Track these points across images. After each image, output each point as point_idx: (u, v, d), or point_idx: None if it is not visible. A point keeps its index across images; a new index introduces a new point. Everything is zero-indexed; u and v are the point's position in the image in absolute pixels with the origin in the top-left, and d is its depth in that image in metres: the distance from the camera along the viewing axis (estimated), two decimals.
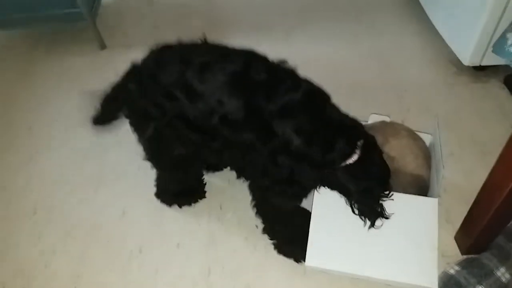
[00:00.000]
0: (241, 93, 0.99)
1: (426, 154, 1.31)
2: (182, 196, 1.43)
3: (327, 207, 1.19)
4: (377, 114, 1.45)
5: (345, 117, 1.07)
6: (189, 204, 1.44)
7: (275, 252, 1.30)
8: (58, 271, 1.31)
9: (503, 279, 1.19)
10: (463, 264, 1.22)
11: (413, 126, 1.39)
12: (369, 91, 1.79)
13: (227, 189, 1.47)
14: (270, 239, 1.31)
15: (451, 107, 1.71)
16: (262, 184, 1.12)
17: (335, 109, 1.07)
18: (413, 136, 1.32)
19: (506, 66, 1.76)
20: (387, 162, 1.18)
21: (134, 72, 1.12)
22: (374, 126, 1.36)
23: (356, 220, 1.14)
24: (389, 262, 1.11)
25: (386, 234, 1.14)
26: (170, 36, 1.17)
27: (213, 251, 1.32)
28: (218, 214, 1.42)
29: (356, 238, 1.15)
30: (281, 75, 1.03)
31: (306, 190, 1.14)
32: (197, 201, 1.45)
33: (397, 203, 1.17)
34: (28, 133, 1.73)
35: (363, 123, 1.21)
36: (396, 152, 1.28)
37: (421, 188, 1.27)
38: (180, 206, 1.43)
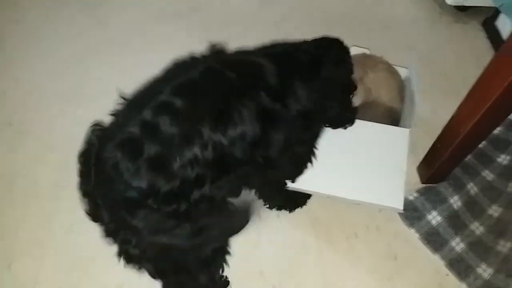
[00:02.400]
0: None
1: (401, 87, 1.37)
2: None
3: None
4: (357, 46, 1.48)
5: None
6: None
7: None
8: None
9: (455, 206, 1.31)
10: (421, 192, 1.34)
11: (391, 60, 1.43)
12: (354, 24, 1.80)
13: None
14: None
15: (430, 45, 1.76)
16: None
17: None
18: (390, 69, 1.37)
19: (488, 8, 1.79)
20: (365, 93, 1.24)
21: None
22: (354, 57, 1.39)
23: (334, 146, 1.23)
24: (361, 184, 1.20)
25: (359, 159, 1.23)
26: None
27: None
28: None
29: (331, 162, 1.22)
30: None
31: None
32: None
33: (371, 132, 1.26)
34: None
35: None
36: (373, 84, 1.33)
37: (393, 120, 1.35)
38: None
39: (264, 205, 1.31)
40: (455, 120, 1.18)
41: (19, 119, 1.47)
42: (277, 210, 1.32)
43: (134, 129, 0.81)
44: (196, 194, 0.84)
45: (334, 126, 1.24)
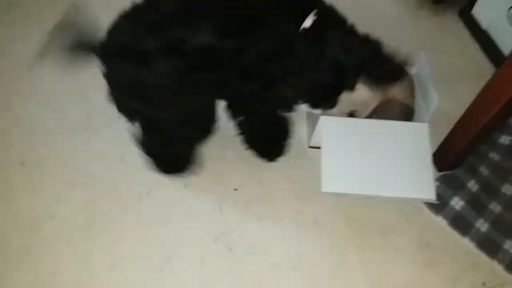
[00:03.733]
0: None
1: (412, 84, 1.44)
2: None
3: (335, 140, 1.31)
4: None
5: None
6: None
7: (283, 185, 1.40)
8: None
9: (473, 190, 1.41)
10: (442, 180, 1.42)
11: None
12: None
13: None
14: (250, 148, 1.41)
15: (416, 41, 1.84)
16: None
17: None
18: None
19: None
20: (381, 93, 1.31)
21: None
22: None
23: (362, 148, 1.29)
24: (393, 181, 1.27)
25: (387, 157, 1.29)
26: None
27: (221, 188, 1.39)
28: (219, 153, 1.45)
29: (363, 163, 1.28)
30: None
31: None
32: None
33: (392, 130, 1.34)
34: None
35: None
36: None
37: (409, 116, 1.42)
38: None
39: (246, 144, 1.40)
40: (474, 110, 1.26)
41: (31, 158, 1.40)
42: (256, 153, 1.42)
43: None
44: None
45: None
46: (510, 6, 1.67)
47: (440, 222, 1.37)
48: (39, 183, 1.36)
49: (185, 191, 1.37)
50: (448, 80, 1.67)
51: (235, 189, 1.39)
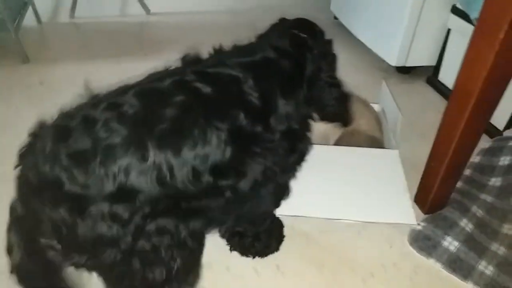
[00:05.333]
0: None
1: (378, 119, 1.34)
2: None
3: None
4: None
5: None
6: None
7: None
8: None
9: (468, 229, 1.19)
10: (428, 220, 1.21)
11: None
12: None
13: None
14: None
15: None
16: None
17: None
18: (364, 102, 1.36)
19: (427, 67, 1.95)
20: None
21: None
22: None
23: (330, 172, 1.12)
24: (369, 206, 1.10)
25: (360, 183, 1.15)
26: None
27: None
28: None
29: (334, 188, 1.11)
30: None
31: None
32: None
33: (363, 156, 1.19)
34: None
35: None
36: None
37: (376, 146, 1.28)
38: None
39: (231, 248, 1.11)
40: (445, 129, 1.13)
41: None
42: (249, 255, 1.11)
43: (74, 122, 0.70)
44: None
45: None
46: None
47: (433, 265, 1.11)
48: None
49: None
50: (426, 134, 1.56)
51: None
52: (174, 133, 0.72)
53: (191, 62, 0.89)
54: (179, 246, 0.76)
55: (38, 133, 0.73)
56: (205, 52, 0.93)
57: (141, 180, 0.69)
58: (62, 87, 1.80)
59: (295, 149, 0.93)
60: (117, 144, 0.68)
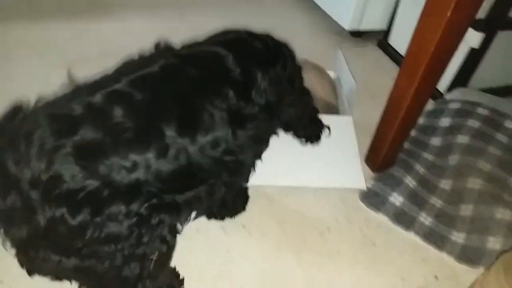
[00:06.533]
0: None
1: (333, 85, 1.43)
2: None
3: None
4: None
5: None
6: None
7: None
8: None
9: (411, 185, 1.33)
10: (377, 178, 1.34)
11: None
12: None
13: None
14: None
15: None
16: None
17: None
18: (319, 68, 1.43)
19: (378, 32, 2.04)
20: None
21: None
22: None
23: (286, 141, 1.19)
24: (320, 172, 1.18)
25: (314, 149, 1.21)
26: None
27: None
28: None
29: (287, 154, 1.19)
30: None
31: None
32: None
33: None
34: None
35: None
36: (307, 82, 1.37)
37: (332, 112, 1.37)
38: None
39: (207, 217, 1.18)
40: (396, 94, 1.24)
41: None
42: (218, 219, 1.19)
43: (76, 107, 0.68)
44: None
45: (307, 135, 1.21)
46: None
47: (382, 219, 1.25)
48: None
49: None
50: (377, 97, 1.68)
51: None
52: (188, 119, 0.74)
53: (166, 49, 0.90)
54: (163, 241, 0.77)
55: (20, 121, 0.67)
56: None
57: (161, 166, 0.70)
58: (12, 51, 1.74)
59: (271, 122, 0.98)
60: (132, 136, 0.67)
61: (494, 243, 1.15)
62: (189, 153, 0.73)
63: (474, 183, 1.29)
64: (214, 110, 0.78)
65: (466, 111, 1.55)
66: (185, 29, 1.62)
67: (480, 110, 1.55)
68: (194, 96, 0.78)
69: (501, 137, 1.47)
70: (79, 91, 0.74)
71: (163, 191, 0.72)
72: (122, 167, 0.67)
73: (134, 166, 0.68)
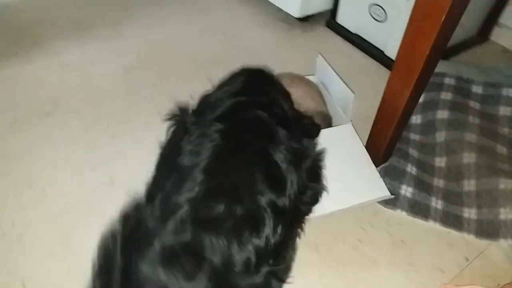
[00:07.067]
0: None
1: (319, 93, 1.40)
2: None
3: None
4: None
5: None
6: None
7: None
8: None
9: (414, 173, 1.38)
10: (382, 175, 1.37)
11: None
12: (223, 64, 1.77)
13: None
14: None
15: (296, 57, 1.86)
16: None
17: None
18: (305, 80, 1.39)
19: (324, 12, 2.02)
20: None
21: None
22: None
23: None
24: (343, 191, 1.16)
25: (328, 170, 1.18)
26: None
27: None
28: None
29: None
30: None
31: None
32: None
33: (322, 139, 1.24)
34: None
35: None
36: (299, 98, 1.33)
37: (326, 121, 1.36)
38: None
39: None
40: (390, 94, 1.24)
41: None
42: None
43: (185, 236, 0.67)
44: None
45: None
46: (369, 3, 1.79)
47: (399, 215, 1.30)
48: None
49: None
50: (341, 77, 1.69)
51: None
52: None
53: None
54: None
55: None
56: None
57: None
58: None
59: None
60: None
61: (506, 214, 1.25)
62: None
63: (469, 157, 1.38)
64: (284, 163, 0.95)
65: (434, 83, 1.62)
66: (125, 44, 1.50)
67: (447, 80, 1.63)
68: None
69: (473, 104, 1.57)
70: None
71: None
72: None
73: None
